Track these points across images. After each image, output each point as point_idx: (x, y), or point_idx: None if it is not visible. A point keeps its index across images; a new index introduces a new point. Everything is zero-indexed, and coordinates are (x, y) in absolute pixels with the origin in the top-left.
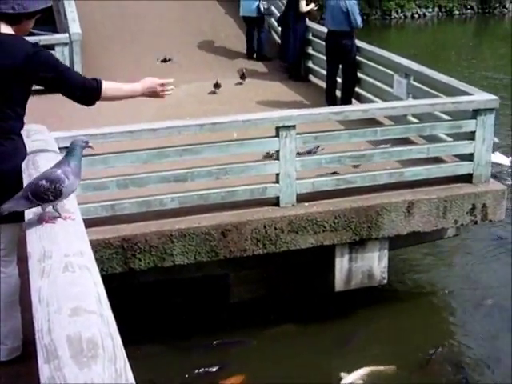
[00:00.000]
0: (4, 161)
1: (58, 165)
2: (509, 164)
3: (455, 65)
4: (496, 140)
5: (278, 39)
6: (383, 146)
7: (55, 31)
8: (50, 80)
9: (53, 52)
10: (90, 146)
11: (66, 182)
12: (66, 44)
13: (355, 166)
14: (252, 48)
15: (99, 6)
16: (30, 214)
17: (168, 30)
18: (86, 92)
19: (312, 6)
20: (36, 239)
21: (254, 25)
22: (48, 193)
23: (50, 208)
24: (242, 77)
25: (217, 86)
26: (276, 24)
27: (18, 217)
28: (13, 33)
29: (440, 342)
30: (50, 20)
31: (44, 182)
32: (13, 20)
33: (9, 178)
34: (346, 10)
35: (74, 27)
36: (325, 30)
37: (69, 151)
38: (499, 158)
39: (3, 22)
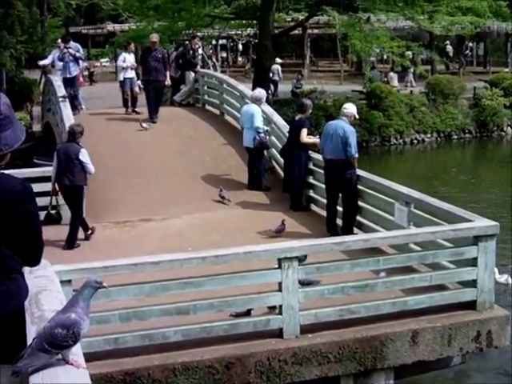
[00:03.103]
0: (6, 301)
1: (70, 307)
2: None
3: (455, 188)
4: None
5: (279, 169)
6: (381, 274)
7: None
8: (22, 220)
9: None
10: (104, 287)
11: (83, 324)
12: None
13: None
14: (253, 178)
15: (103, 138)
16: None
17: (170, 161)
18: (38, 253)
19: (315, 139)
20: (38, 381)
21: (253, 155)
22: (67, 339)
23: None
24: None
25: (279, 230)
26: (278, 155)
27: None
28: None
29: None
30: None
31: (60, 329)
32: None
33: (11, 319)
34: (345, 139)
35: None
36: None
37: (81, 291)
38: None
39: None
